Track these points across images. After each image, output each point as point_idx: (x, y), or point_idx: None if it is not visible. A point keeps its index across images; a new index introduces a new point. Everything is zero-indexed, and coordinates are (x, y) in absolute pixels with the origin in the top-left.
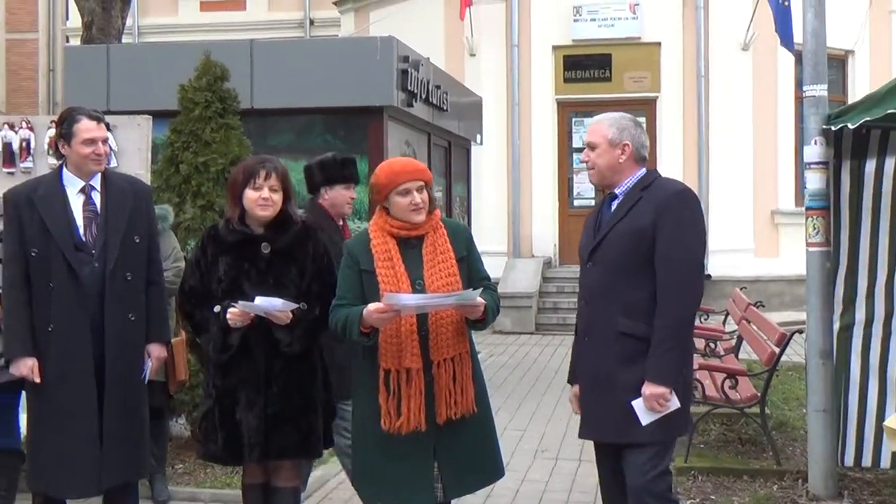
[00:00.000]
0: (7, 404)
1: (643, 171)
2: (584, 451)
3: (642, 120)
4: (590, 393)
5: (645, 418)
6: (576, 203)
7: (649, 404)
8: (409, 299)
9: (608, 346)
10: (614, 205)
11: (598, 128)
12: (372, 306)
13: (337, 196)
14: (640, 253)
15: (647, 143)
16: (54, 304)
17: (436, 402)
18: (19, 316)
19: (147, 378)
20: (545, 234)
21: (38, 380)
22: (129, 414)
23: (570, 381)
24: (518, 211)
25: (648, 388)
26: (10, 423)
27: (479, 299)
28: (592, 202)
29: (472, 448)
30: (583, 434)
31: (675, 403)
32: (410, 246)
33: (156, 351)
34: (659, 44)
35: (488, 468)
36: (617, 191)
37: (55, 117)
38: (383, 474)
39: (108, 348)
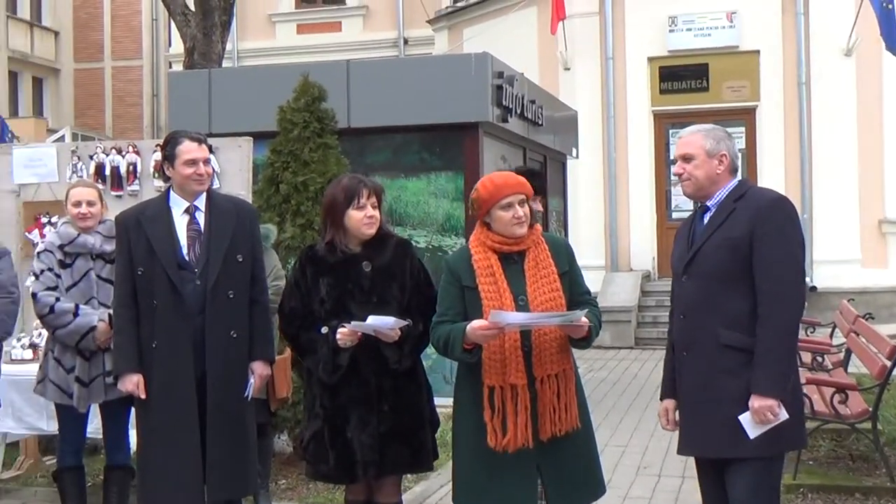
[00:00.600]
0: (118, 421)
1: (735, 181)
2: (688, 468)
3: (741, 130)
4: (692, 408)
5: (753, 432)
6: (674, 215)
7: (758, 417)
8: (515, 318)
9: (710, 359)
10: (707, 217)
11: (693, 139)
12: (476, 323)
13: None
14: (737, 264)
15: (738, 154)
16: (158, 322)
17: (539, 419)
18: (127, 333)
19: (250, 395)
20: (643, 247)
21: (143, 396)
22: (233, 431)
23: (664, 396)
24: (615, 224)
25: (756, 401)
26: (120, 440)
27: (584, 319)
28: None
29: (575, 464)
30: (684, 450)
31: (783, 415)
32: (512, 261)
33: (259, 369)
34: (758, 52)
35: (591, 485)
36: (709, 203)
37: (160, 141)
38: (487, 491)
39: (209, 365)
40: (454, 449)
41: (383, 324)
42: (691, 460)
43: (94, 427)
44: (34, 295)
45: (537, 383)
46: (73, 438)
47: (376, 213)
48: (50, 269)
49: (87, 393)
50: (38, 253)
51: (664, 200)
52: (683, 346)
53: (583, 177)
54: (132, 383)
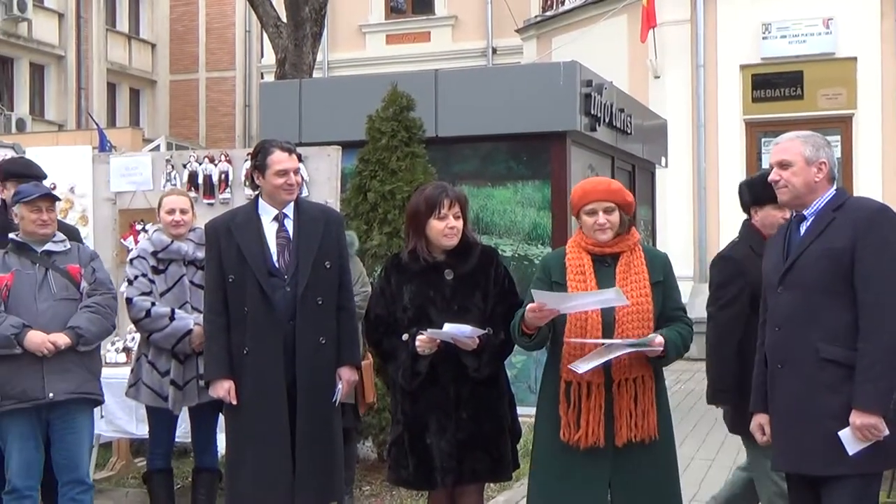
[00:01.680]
0: (208, 424)
1: (833, 190)
2: None
3: (837, 138)
4: (788, 423)
5: (852, 448)
6: None
7: (860, 434)
8: (559, 300)
9: (809, 373)
10: (804, 226)
11: (791, 145)
12: (530, 305)
13: (767, 216)
14: (837, 275)
15: (836, 163)
16: (249, 328)
17: (615, 423)
18: (218, 340)
19: (338, 401)
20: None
21: (234, 402)
22: (322, 436)
23: (755, 410)
24: (704, 235)
25: (858, 418)
26: (209, 443)
27: (658, 339)
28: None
29: (649, 476)
30: (779, 465)
31: (885, 431)
32: (605, 264)
33: (346, 374)
34: (855, 59)
35: (665, 501)
36: (806, 212)
37: (251, 150)
38: (558, 494)
39: (299, 371)
40: (532, 446)
41: (460, 332)
42: (778, 475)
43: (183, 431)
44: (129, 300)
45: (614, 386)
46: (163, 441)
47: (458, 223)
48: (144, 275)
49: (182, 395)
50: (132, 259)
51: None
52: (779, 360)
53: (672, 186)
54: (224, 389)
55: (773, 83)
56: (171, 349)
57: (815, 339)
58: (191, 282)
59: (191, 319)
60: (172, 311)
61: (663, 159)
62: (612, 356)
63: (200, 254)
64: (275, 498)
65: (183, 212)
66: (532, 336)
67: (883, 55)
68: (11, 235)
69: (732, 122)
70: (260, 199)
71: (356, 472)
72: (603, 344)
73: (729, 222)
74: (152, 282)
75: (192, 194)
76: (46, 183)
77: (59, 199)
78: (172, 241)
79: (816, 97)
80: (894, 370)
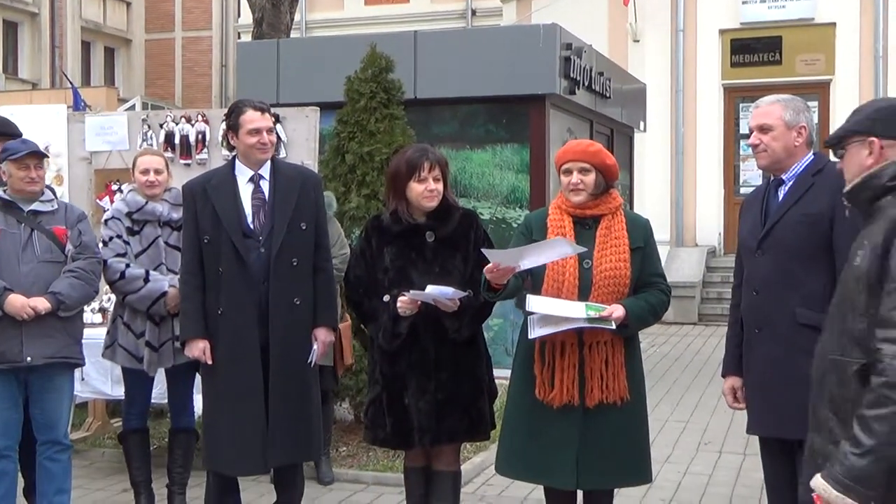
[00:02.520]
0: (184, 385)
1: (811, 155)
2: (749, 445)
3: (815, 104)
4: (764, 387)
5: None
6: (742, 191)
7: None
8: (505, 256)
9: (786, 337)
10: (783, 191)
11: (772, 109)
12: (486, 266)
13: None
14: (815, 240)
15: (814, 127)
16: (224, 289)
17: (586, 384)
18: (193, 300)
19: (314, 362)
20: (710, 222)
21: (209, 361)
22: (295, 396)
23: (727, 373)
24: (682, 199)
25: None
26: (186, 403)
27: (619, 313)
28: None
29: (618, 438)
30: (756, 430)
31: None
32: (586, 226)
33: (322, 335)
34: (834, 24)
35: (631, 467)
36: (785, 176)
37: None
38: (526, 448)
39: (272, 331)
40: (507, 402)
41: (442, 293)
42: (753, 437)
43: (160, 391)
44: (104, 262)
45: (586, 349)
46: (139, 402)
47: (438, 186)
48: (119, 236)
49: (157, 357)
50: (106, 220)
51: (732, 175)
52: (756, 323)
53: (650, 151)
54: (199, 349)
55: (752, 48)
56: (146, 311)
57: (793, 304)
58: (166, 243)
59: (165, 281)
60: (147, 273)
61: (642, 123)
62: (568, 327)
63: (176, 215)
64: (249, 457)
65: (157, 172)
66: (499, 292)
67: (861, 21)
68: None
69: (711, 87)
70: (236, 161)
71: (333, 433)
72: (563, 313)
73: (706, 187)
74: (127, 243)
75: (169, 154)
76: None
77: (47, 157)
78: (147, 202)
79: (795, 62)
80: None
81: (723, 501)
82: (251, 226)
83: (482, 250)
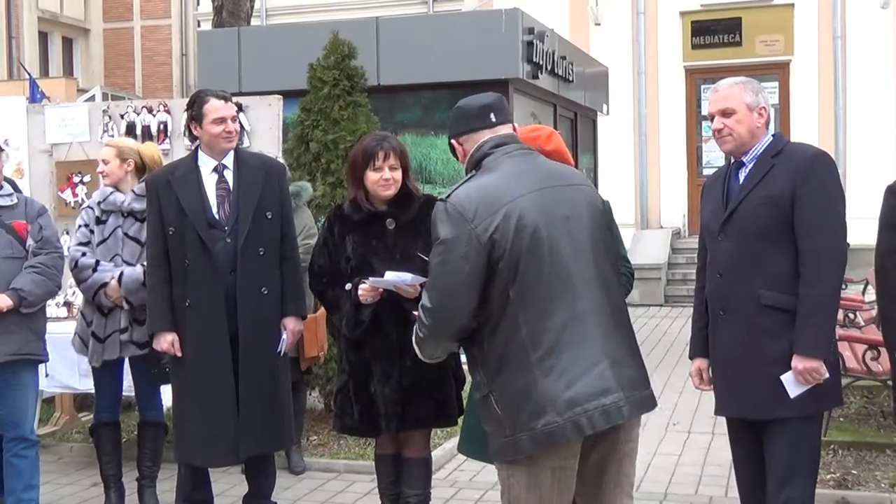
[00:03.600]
0: (148, 379)
1: (770, 136)
2: (717, 425)
3: (775, 84)
4: (729, 368)
5: (794, 391)
6: (705, 172)
7: (802, 378)
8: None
9: (750, 319)
10: (743, 173)
11: (732, 92)
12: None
13: None
14: (778, 222)
15: (771, 108)
16: (190, 281)
17: None
18: (160, 293)
19: (283, 351)
20: (674, 204)
21: (178, 354)
22: (265, 386)
23: (693, 355)
24: (646, 181)
25: (801, 362)
26: (152, 397)
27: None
28: None
29: None
30: (723, 411)
31: (825, 375)
32: None
33: (291, 324)
34: (792, 5)
35: None
36: (745, 158)
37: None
38: (481, 429)
39: (241, 322)
40: (469, 397)
41: (401, 280)
42: (721, 417)
43: (129, 384)
44: (68, 249)
45: None
46: (108, 394)
47: (395, 174)
48: (86, 226)
49: (102, 348)
50: (82, 208)
51: (695, 157)
52: (720, 306)
53: (613, 134)
54: (167, 342)
55: (713, 30)
56: (92, 300)
57: (757, 286)
58: (125, 234)
59: (109, 273)
60: (97, 263)
61: (605, 107)
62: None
63: (138, 205)
64: (220, 448)
65: (104, 162)
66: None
67: (820, 1)
68: None
69: (672, 69)
70: (199, 151)
71: (304, 423)
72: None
73: (669, 169)
74: (92, 232)
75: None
76: None
77: (2, 150)
78: (112, 192)
79: (755, 43)
80: (834, 315)
81: (692, 481)
82: (216, 216)
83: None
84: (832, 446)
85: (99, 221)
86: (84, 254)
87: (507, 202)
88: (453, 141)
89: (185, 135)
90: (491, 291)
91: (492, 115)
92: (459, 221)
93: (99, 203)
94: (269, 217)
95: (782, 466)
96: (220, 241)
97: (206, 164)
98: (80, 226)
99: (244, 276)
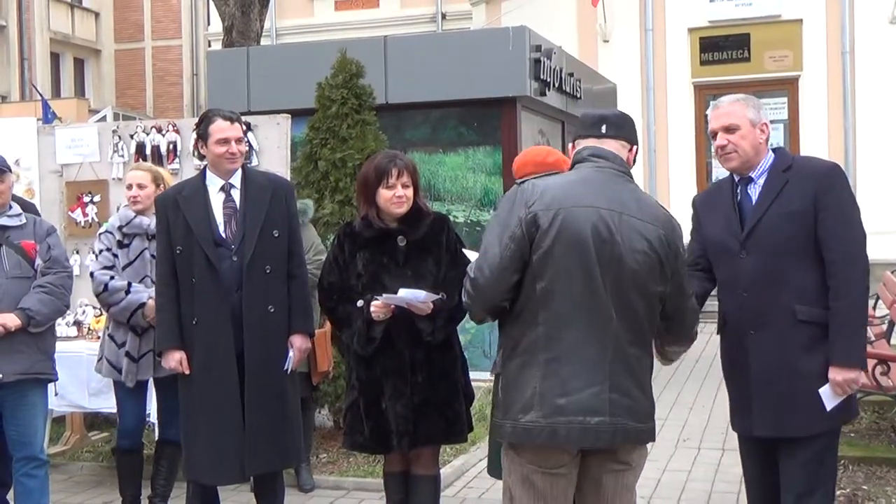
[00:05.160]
0: (172, 397)
1: (771, 153)
2: (727, 440)
3: (784, 100)
4: (766, 387)
5: (830, 403)
6: None
7: (840, 389)
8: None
9: (787, 336)
10: (754, 189)
11: (735, 108)
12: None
13: None
14: (802, 236)
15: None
16: (197, 299)
17: None
18: (169, 311)
19: (290, 369)
20: (683, 220)
21: (186, 371)
22: (272, 404)
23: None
24: (655, 197)
25: (840, 374)
26: (173, 415)
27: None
28: None
29: None
30: (763, 431)
31: (862, 382)
32: None
33: (298, 342)
34: (801, 21)
35: None
36: (753, 174)
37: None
38: None
39: (247, 340)
40: (492, 416)
41: (414, 297)
42: (732, 433)
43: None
44: (92, 274)
45: None
46: (130, 419)
47: (407, 192)
48: (108, 250)
49: (136, 368)
50: (100, 234)
51: (704, 172)
52: (750, 325)
53: None
54: (175, 360)
55: (721, 46)
56: (127, 322)
57: (789, 302)
58: (152, 255)
59: (145, 293)
60: (129, 285)
61: None
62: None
63: None
64: (227, 466)
65: (140, 186)
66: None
67: (828, 17)
68: None
69: (681, 86)
70: (207, 170)
71: (313, 440)
72: None
73: (678, 185)
74: (116, 256)
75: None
76: None
77: (9, 171)
78: (136, 216)
79: (763, 59)
80: (865, 324)
81: (702, 498)
82: (223, 234)
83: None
84: (842, 462)
85: (122, 245)
86: (112, 277)
87: (565, 206)
88: (570, 144)
89: (193, 154)
90: (524, 279)
91: (603, 127)
92: (520, 205)
93: (120, 227)
94: (276, 235)
95: (804, 480)
96: (226, 259)
97: (213, 183)
98: (101, 250)
99: (250, 293)
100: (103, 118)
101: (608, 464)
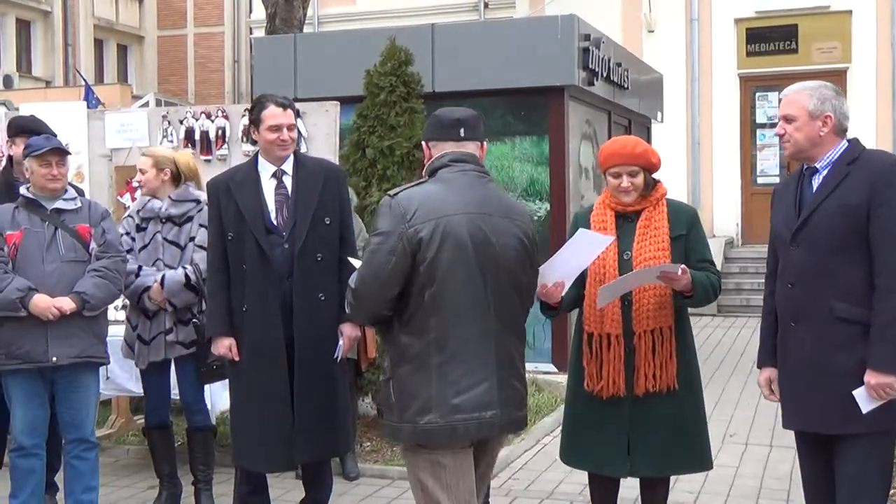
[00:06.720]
0: (192, 383)
1: (845, 143)
2: (775, 436)
3: None
4: (801, 381)
5: (866, 406)
6: (759, 181)
7: (875, 393)
8: (547, 272)
9: (823, 332)
10: (817, 180)
11: (796, 98)
12: (537, 290)
13: None
14: (853, 231)
15: (849, 114)
16: (248, 286)
17: (635, 373)
18: (219, 297)
19: (339, 357)
20: (727, 213)
21: (236, 358)
22: (322, 393)
23: (762, 364)
24: (699, 190)
25: (874, 377)
26: (197, 401)
27: (684, 269)
28: (777, 179)
29: (667, 426)
30: (791, 424)
31: None
32: (628, 220)
33: (348, 330)
34: (850, 12)
35: (683, 454)
36: (818, 165)
37: (249, 106)
38: (581, 437)
39: (297, 328)
40: (566, 392)
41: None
42: (780, 430)
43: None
44: None
45: (635, 338)
46: (156, 397)
47: None
48: (128, 233)
49: (147, 350)
50: (123, 218)
51: (749, 166)
52: (792, 317)
53: (666, 141)
54: (224, 347)
55: (768, 37)
56: (137, 304)
57: (830, 297)
58: (164, 238)
59: (152, 277)
60: (140, 268)
61: (659, 114)
62: (635, 284)
63: (175, 210)
64: (275, 454)
65: (141, 172)
66: (557, 309)
67: (878, 8)
68: (22, 190)
69: (727, 77)
70: (259, 156)
71: (357, 428)
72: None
73: (723, 177)
74: (133, 240)
75: (189, 150)
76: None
77: (70, 154)
78: (148, 200)
79: (811, 51)
80: None
81: (752, 494)
82: (274, 222)
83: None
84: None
85: (139, 229)
86: (125, 260)
87: (443, 215)
88: (424, 143)
89: (243, 140)
90: (411, 288)
91: (461, 131)
92: (398, 219)
93: (138, 212)
94: (328, 223)
95: (852, 483)
96: (277, 246)
97: (265, 169)
98: (122, 234)
99: (301, 281)
100: (146, 104)
101: (489, 451)
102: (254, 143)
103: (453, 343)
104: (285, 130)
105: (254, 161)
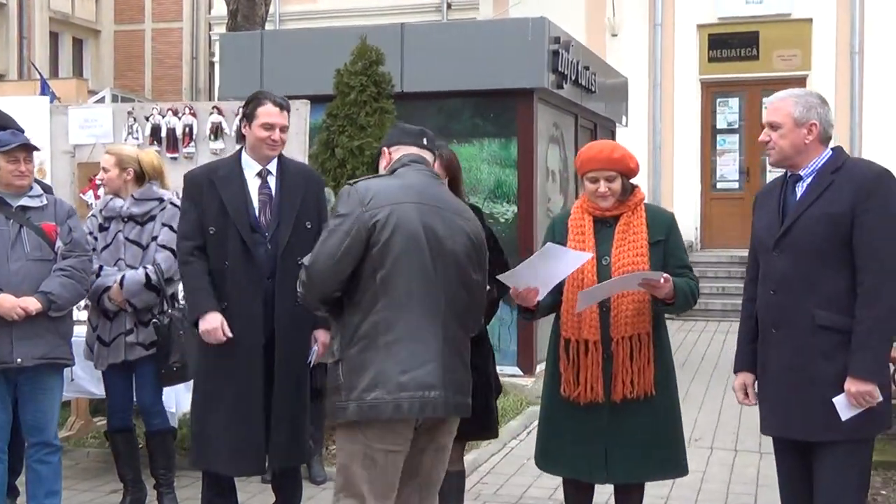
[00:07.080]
0: (148, 386)
1: (829, 151)
2: (740, 441)
3: None
4: (781, 387)
5: (846, 414)
6: (718, 186)
7: (854, 401)
8: (518, 276)
9: (804, 339)
10: (800, 188)
11: (781, 105)
12: (511, 292)
13: None
14: (835, 240)
15: (833, 122)
16: (229, 282)
17: (612, 379)
18: (199, 280)
19: (313, 362)
20: (687, 217)
21: (229, 335)
22: (295, 397)
23: (739, 369)
24: (658, 193)
25: (854, 385)
26: (155, 404)
27: (665, 275)
28: (736, 185)
29: (644, 432)
30: (770, 430)
31: (879, 398)
32: (606, 224)
33: (322, 336)
34: (810, 20)
35: (661, 460)
36: (802, 172)
37: (216, 104)
38: (557, 443)
39: (277, 328)
40: (542, 398)
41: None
42: (743, 432)
43: None
44: None
45: (612, 344)
46: (118, 401)
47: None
48: (91, 233)
49: (107, 352)
50: (88, 217)
51: (709, 171)
52: (773, 323)
53: (628, 145)
54: (216, 321)
55: (729, 43)
56: (97, 305)
57: (811, 305)
58: (126, 238)
59: (112, 277)
60: (100, 268)
61: (623, 118)
62: (615, 290)
63: (136, 209)
64: (248, 457)
65: (104, 170)
66: (535, 312)
67: (838, 17)
68: None
69: (688, 82)
70: (243, 153)
71: (324, 433)
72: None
73: (682, 182)
74: (96, 239)
75: (155, 147)
76: None
77: (38, 150)
78: (111, 199)
79: (772, 58)
80: (890, 338)
81: (719, 498)
82: (258, 220)
83: (498, 277)
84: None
85: (102, 228)
86: (92, 260)
87: (398, 202)
88: (385, 149)
89: (210, 138)
90: (362, 270)
91: (424, 140)
92: (356, 203)
93: (101, 211)
94: (309, 227)
95: (831, 489)
96: (261, 245)
97: (249, 166)
98: (84, 233)
99: (282, 283)
100: (102, 99)
101: (435, 439)
102: (241, 138)
103: (401, 325)
104: (278, 131)
105: (236, 158)
